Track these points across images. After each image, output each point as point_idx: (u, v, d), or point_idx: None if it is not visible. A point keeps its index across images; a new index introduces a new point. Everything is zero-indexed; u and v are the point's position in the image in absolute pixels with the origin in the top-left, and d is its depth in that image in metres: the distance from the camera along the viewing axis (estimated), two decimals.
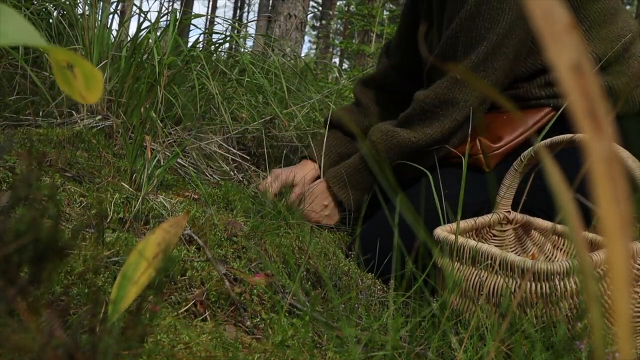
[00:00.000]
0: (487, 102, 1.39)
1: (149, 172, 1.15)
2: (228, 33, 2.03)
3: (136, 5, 1.86)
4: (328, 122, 1.73)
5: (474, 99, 1.34)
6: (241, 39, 2.10)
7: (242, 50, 2.15)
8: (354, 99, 1.84)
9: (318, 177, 1.60)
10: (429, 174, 1.19)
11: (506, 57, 1.33)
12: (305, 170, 1.60)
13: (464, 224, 1.17)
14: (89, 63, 0.44)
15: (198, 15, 1.96)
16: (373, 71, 1.92)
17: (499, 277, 0.96)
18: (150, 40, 1.57)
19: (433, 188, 1.15)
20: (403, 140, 1.38)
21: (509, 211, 1.25)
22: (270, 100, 1.91)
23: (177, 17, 1.67)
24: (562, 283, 0.89)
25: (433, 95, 1.36)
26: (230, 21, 2.07)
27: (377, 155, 1.41)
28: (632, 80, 1.39)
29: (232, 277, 0.95)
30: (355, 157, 1.51)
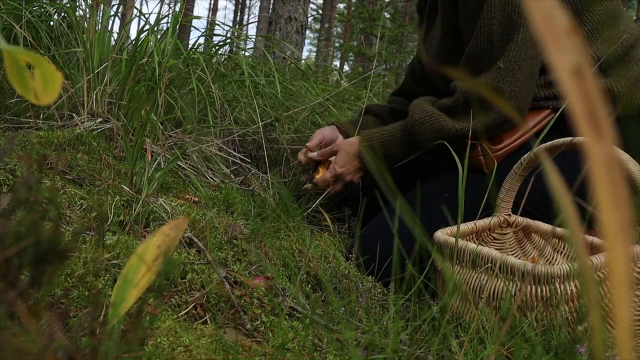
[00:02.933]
0: (533, 90, 1.37)
1: (149, 174, 1.15)
2: (229, 35, 2.03)
3: (137, 8, 1.86)
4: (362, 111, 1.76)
5: (519, 89, 1.32)
6: (241, 42, 2.10)
7: (243, 52, 2.15)
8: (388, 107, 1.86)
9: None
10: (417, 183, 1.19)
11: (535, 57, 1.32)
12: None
13: (464, 227, 1.17)
14: (50, 65, 0.44)
15: (198, 17, 1.96)
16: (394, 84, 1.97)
17: (499, 280, 0.96)
18: (150, 43, 1.57)
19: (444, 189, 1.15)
20: (446, 126, 1.36)
21: (509, 214, 1.25)
22: (271, 103, 1.91)
23: (177, 19, 1.67)
24: (562, 286, 0.89)
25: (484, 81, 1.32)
26: (230, 25, 2.07)
27: (414, 134, 1.39)
28: (632, 83, 1.39)
29: (232, 280, 0.95)
30: (395, 126, 1.48)
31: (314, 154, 1.57)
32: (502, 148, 1.36)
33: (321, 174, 1.54)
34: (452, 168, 1.41)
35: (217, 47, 2.03)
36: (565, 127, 1.18)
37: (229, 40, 2.03)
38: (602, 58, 1.37)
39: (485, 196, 1.17)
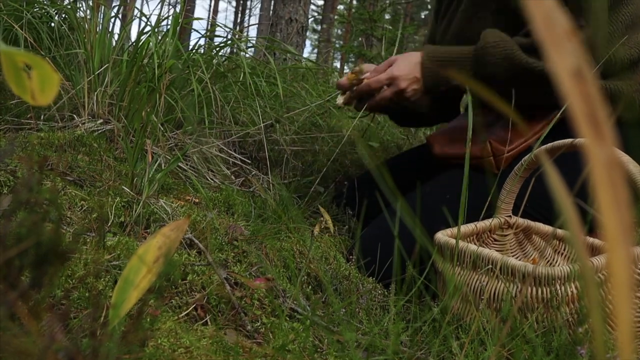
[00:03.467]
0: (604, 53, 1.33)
1: (150, 176, 1.15)
2: (229, 37, 2.03)
3: (137, 9, 1.86)
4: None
5: (599, 43, 1.28)
6: (242, 43, 2.11)
7: (243, 54, 2.15)
8: None
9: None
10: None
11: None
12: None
13: (465, 228, 1.17)
14: (48, 65, 0.44)
15: (198, 18, 1.97)
16: None
17: (500, 281, 0.96)
18: (151, 44, 1.57)
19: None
20: (519, 57, 1.28)
21: (510, 215, 1.25)
22: (271, 104, 1.91)
23: (178, 20, 1.68)
24: (563, 288, 0.89)
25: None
26: (231, 27, 2.07)
27: (484, 55, 1.32)
28: (637, 84, 1.36)
29: (232, 281, 0.95)
30: (463, 48, 1.40)
31: (365, 74, 1.47)
32: (513, 149, 1.34)
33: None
34: (452, 168, 1.41)
35: (217, 49, 2.03)
36: (572, 127, 1.16)
37: (229, 42, 2.03)
38: (617, 59, 1.34)
39: (489, 198, 1.17)
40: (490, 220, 1.23)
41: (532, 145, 1.36)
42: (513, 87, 1.29)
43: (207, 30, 2.03)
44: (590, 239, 1.15)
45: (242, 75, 1.87)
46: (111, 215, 1.05)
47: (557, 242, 1.26)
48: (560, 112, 1.32)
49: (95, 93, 1.50)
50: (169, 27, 1.69)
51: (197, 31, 1.95)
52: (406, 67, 1.41)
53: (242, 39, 2.21)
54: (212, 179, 1.59)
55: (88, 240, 0.92)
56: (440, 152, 1.44)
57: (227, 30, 2.05)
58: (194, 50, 1.87)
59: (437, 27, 1.74)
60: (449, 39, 1.58)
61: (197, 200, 1.33)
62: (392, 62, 1.43)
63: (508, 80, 1.30)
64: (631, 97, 1.35)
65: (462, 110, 1.72)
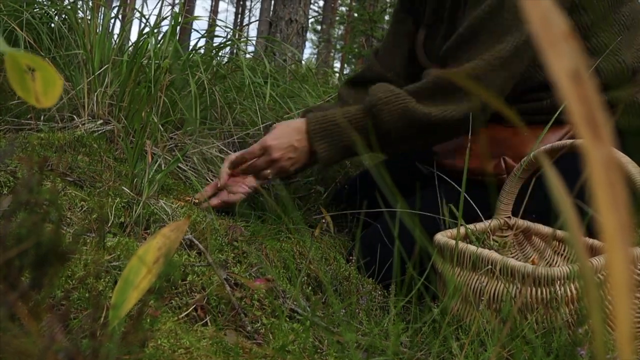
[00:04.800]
0: (504, 94, 1.29)
1: (150, 176, 1.15)
2: (229, 37, 2.03)
3: (137, 10, 1.86)
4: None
5: (496, 86, 1.23)
6: (242, 44, 2.11)
7: (244, 55, 2.16)
8: (337, 99, 1.69)
9: None
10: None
11: (522, 62, 1.25)
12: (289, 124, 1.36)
13: (464, 229, 1.17)
14: (51, 68, 0.45)
15: (196, 18, 1.97)
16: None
17: (500, 282, 0.96)
18: (150, 45, 1.57)
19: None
20: (413, 109, 1.23)
21: (509, 217, 1.25)
22: (271, 105, 1.91)
23: (178, 19, 1.68)
24: (562, 288, 0.89)
25: (454, 73, 1.23)
26: (231, 26, 2.07)
27: (377, 114, 1.25)
28: None
29: (232, 281, 0.95)
30: (355, 109, 1.30)
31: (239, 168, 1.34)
32: None
33: None
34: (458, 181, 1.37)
35: (217, 49, 2.03)
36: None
37: (229, 42, 2.03)
38: (629, 65, 1.31)
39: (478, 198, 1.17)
40: (489, 221, 1.23)
41: None
42: (411, 137, 1.27)
43: (206, 30, 2.04)
44: (590, 240, 1.15)
45: (240, 77, 1.87)
46: (111, 215, 1.05)
47: (557, 243, 1.26)
48: (554, 116, 1.31)
49: (95, 94, 1.51)
50: (168, 26, 1.70)
51: (197, 31, 1.95)
52: (283, 134, 1.30)
53: (242, 39, 2.21)
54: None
55: (88, 240, 0.92)
56: (456, 164, 1.38)
57: (227, 30, 2.06)
58: (193, 51, 1.87)
59: (396, 40, 1.69)
60: (430, 47, 1.55)
61: (197, 201, 1.33)
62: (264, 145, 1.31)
63: (406, 132, 1.26)
64: (631, 101, 1.34)
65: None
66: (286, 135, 1.29)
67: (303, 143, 1.30)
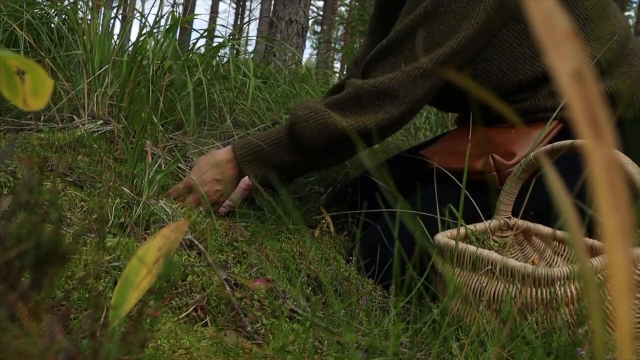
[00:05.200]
0: (424, 104, 1.34)
1: (150, 177, 1.15)
2: (229, 37, 2.03)
3: (137, 11, 1.86)
4: None
5: (414, 97, 1.28)
6: (242, 44, 2.11)
7: (244, 56, 2.16)
8: None
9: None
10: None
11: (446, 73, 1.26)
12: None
13: (464, 229, 1.17)
14: (42, 70, 0.44)
15: (195, 16, 1.96)
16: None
17: (500, 282, 0.96)
18: (149, 45, 1.57)
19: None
20: (333, 122, 1.27)
21: (509, 217, 1.25)
22: (269, 107, 1.91)
23: (177, 19, 1.68)
24: (562, 289, 0.89)
25: (373, 84, 1.28)
26: (231, 27, 2.07)
27: (298, 133, 1.29)
28: (635, 82, 1.35)
29: (232, 282, 0.95)
30: (278, 129, 1.35)
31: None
32: (517, 162, 1.28)
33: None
34: (450, 182, 1.37)
35: (216, 49, 2.03)
36: (572, 137, 1.14)
37: (228, 42, 2.03)
38: (600, 57, 1.32)
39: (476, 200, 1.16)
40: (489, 221, 1.23)
41: None
42: (336, 149, 1.31)
43: (205, 30, 2.04)
44: (590, 240, 1.15)
45: (240, 76, 1.87)
46: (111, 216, 1.05)
47: (557, 244, 1.26)
48: (556, 117, 1.32)
49: (95, 94, 1.51)
50: (167, 26, 1.70)
51: (196, 31, 1.95)
52: (204, 169, 1.32)
53: (242, 38, 2.21)
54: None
55: (88, 241, 0.92)
56: (444, 165, 1.40)
57: (227, 28, 2.06)
58: (193, 51, 1.87)
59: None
60: None
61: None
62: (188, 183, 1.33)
63: (329, 146, 1.30)
64: (630, 97, 1.34)
65: (455, 126, 1.70)
66: (209, 171, 1.32)
67: (229, 172, 1.33)
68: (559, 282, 0.89)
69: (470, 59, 1.34)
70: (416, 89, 1.27)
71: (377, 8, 1.72)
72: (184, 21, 1.82)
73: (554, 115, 1.23)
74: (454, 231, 1.13)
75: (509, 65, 1.35)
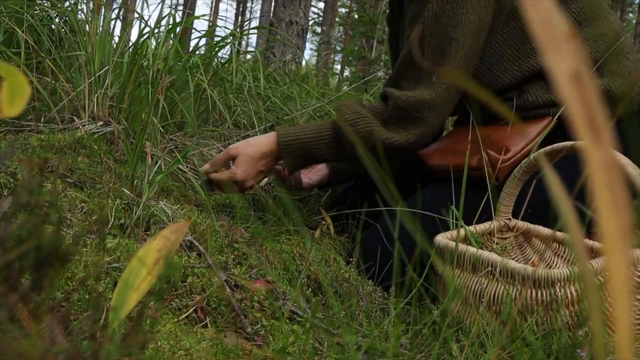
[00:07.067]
0: (449, 114, 1.38)
1: (150, 178, 1.15)
2: (230, 39, 2.03)
3: (137, 12, 1.86)
4: None
5: (449, 103, 1.32)
6: (242, 45, 2.11)
7: (244, 57, 2.16)
8: None
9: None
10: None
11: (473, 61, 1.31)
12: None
13: (464, 231, 1.17)
14: (21, 76, 0.43)
15: (196, 17, 1.97)
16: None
17: (500, 284, 0.96)
18: (150, 46, 1.57)
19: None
20: (377, 134, 1.30)
21: (509, 218, 1.25)
22: (268, 107, 1.91)
23: (177, 20, 1.68)
24: (562, 290, 0.89)
25: (411, 96, 1.30)
26: (231, 27, 2.07)
27: (343, 136, 1.32)
28: (628, 79, 1.36)
29: (232, 283, 0.95)
30: (319, 124, 1.39)
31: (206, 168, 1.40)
32: (511, 158, 1.31)
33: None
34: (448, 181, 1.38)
35: (217, 49, 2.03)
36: (567, 133, 1.16)
37: (229, 40, 2.03)
38: (594, 56, 1.34)
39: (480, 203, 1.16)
40: (489, 222, 1.23)
41: (528, 154, 1.35)
42: (373, 155, 1.30)
43: (206, 30, 2.04)
44: (590, 242, 1.15)
45: (241, 78, 1.87)
46: (111, 217, 1.05)
47: (557, 245, 1.26)
48: (556, 116, 1.32)
49: (96, 95, 1.51)
50: (169, 27, 1.70)
51: (197, 31, 1.95)
52: (249, 164, 1.36)
53: (242, 38, 2.21)
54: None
55: (88, 242, 0.92)
56: (441, 163, 1.42)
57: (228, 28, 2.06)
58: (194, 53, 1.87)
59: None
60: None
61: (197, 202, 1.33)
62: (232, 154, 1.38)
63: (368, 151, 1.31)
64: (622, 93, 1.34)
65: (451, 127, 1.72)
66: (254, 165, 1.36)
67: (271, 164, 1.39)
68: (559, 284, 0.89)
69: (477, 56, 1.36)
70: (451, 94, 1.30)
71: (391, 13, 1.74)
72: (190, 22, 1.82)
73: (558, 114, 1.24)
74: (454, 232, 1.13)
75: (498, 66, 1.37)
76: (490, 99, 0.24)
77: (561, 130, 1.24)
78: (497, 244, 1.25)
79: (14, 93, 0.43)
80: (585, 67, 0.21)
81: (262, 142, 1.38)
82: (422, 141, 1.33)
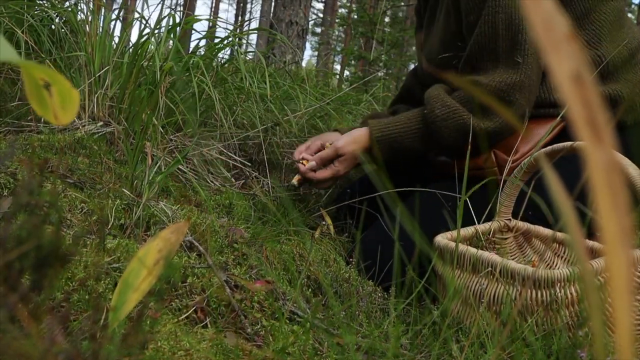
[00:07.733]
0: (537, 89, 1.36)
1: (150, 178, 1.15)
2: (230, 39, 2.03)
3: (138, 12, 1.86)
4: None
5: (536, 82, 1.31)
6: (242, 45, 2.11)
7: (244, 57, 2.16)
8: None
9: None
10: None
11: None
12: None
13: (465, 231, 1.17)
14: (67, 82, 0.42)
15: (197, 20, 1.96)
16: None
17: (500, 284, 0.96)
18: (151, 46, 1.57)
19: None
20: (473, 125, 1.30)
21: (509, 219, 1.25)
22: (269, 107, 1.91)
23: (178, 20, 1.68)
24: (562, 291, 0.89)
25: (501, 80, 1.29)
26: (230, 28, 2.07)
27: (436, 130, 1.34)
28: (637, 87, 1.37)
29: (232, 283, 0.95)
30: (409, 117, 1.41)
31: (308, 158, 1.50)
32: (519, 158, 1.31)
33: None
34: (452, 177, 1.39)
35: (217, 49, 2.03)
36: (573, 135, 1.16)
37: (229, 40, 2.03)
38: (609, 60, 1.35)
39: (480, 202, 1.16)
40: (489, 223, 1.23)
41: None
42: (463, 146, 1.32)
43: (207, 31, 2.04)
44: (590, 242, 1.15)
45: (239, 78, 1.87)
46: (111, 217, 1.05)
47: (557, 245, 1.26)
48: (560, 116, 1.32)
49: (96, 95, 1.51)
50: (169, 27, 1.70)
51: (197, 31, 1.95)
52: (345, 166, 1.44)
53: (242, 39, 2.21)
54: (212, 182, 1.59)
55: (88, 242, 0.92)
56: (444, 163, 1.43)
57: (228, 27, 2.06)
58: (195, 53, 1.87)
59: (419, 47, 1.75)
60: (429, 49, 1.59)
61: (197, 203, 1.32)
62: (339, 153, 1.45)
63: (459, 143, 1.34)
64: (632, 101, 1.35)
65: None
66: (354, 162, 1.45)
67: (358, 152, 1.44)
68: (559, 284, 0.89)
69: None
70: (535, 72, 1.30)
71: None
72: (192, 23, 1.82)
73: (561, 114, 1.24)
74: (454, 233, 1.13)
75: None
76: (493, 102, 0.24)
77: (569, 133, 1.25)
78: (496, 243, 1.25)
79: (64, 99, 0.43)
80: (587, 69, 0.21)
81: (362, 139, 1.44)
82: (515, 124, 1.33)
